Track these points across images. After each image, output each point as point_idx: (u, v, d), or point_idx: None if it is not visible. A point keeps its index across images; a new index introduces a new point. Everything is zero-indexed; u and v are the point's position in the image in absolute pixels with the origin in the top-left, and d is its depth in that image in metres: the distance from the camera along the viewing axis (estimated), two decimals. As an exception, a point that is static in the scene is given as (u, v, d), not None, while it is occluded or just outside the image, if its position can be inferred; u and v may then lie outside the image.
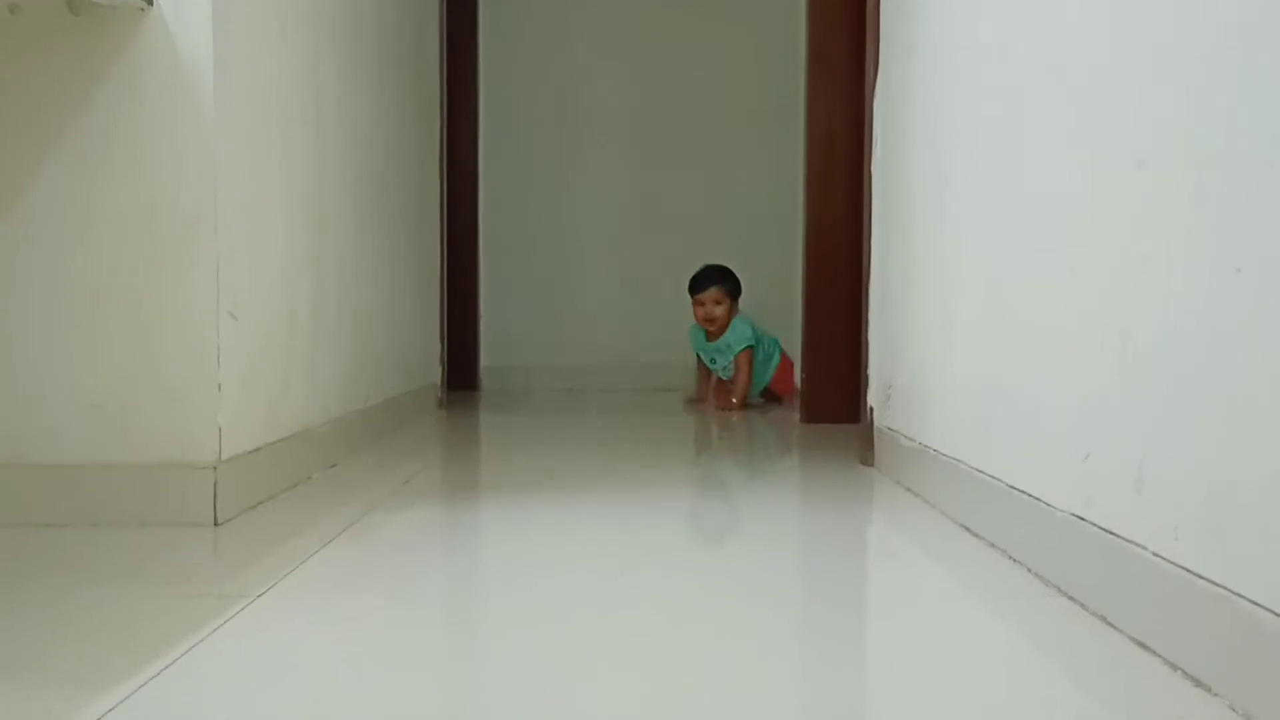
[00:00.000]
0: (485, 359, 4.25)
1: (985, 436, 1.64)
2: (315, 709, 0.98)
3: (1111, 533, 1.20)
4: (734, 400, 3.56)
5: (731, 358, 3.65)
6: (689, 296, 3.67)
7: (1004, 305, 1.58)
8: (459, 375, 4.05)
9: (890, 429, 2.22)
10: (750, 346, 3.59)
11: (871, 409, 2.37)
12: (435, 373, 3.53)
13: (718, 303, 3.63)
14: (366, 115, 2.67)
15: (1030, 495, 1.43)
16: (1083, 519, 1.27)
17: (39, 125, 1.69)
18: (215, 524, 1.69)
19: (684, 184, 4.33)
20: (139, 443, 1.70)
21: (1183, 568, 1.05)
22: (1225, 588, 0.98)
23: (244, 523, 1.72)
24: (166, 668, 1.05)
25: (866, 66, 2.44)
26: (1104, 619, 1.19)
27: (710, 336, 3.68)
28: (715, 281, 3.65)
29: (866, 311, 2.46)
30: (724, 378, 3.74)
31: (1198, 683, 1.00)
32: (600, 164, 4.34)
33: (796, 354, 3.28)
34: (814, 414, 3.08)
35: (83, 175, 1.69)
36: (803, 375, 3.13)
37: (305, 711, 0.97)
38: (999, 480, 1.55)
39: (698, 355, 3.78)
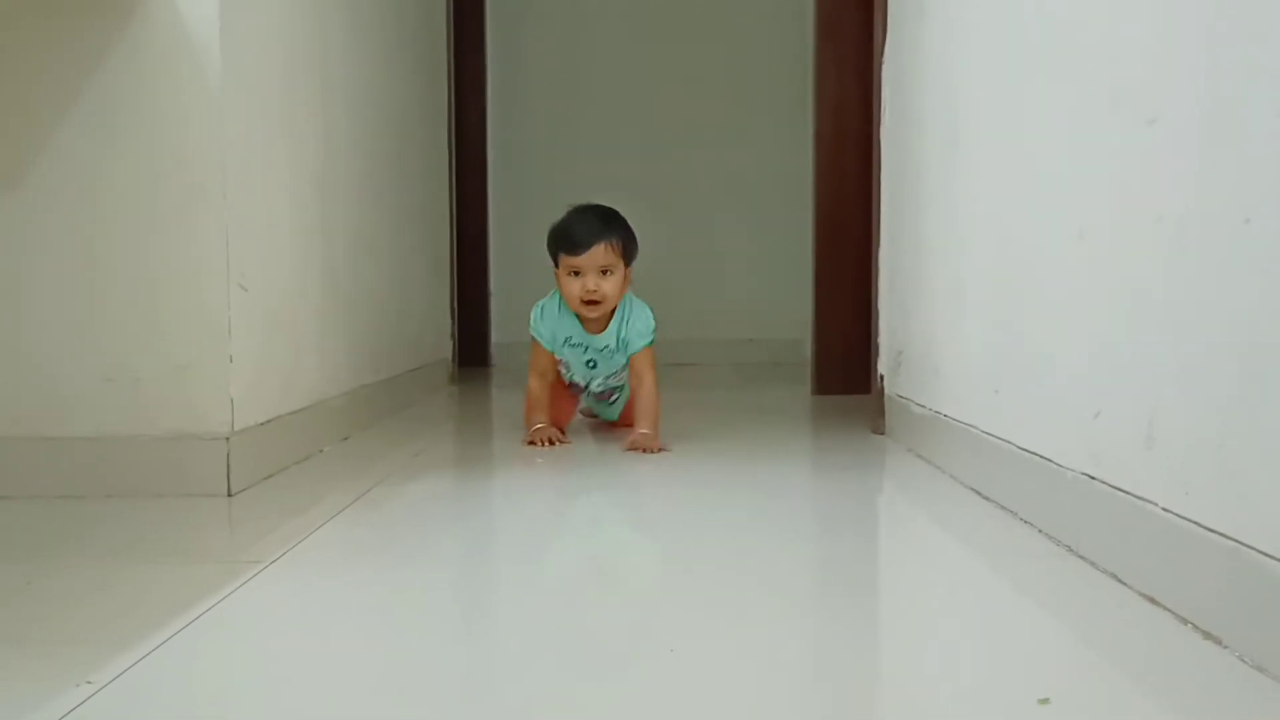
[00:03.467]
0: (496, 335, 4.25)
1: (995, 400, 1.64)
2: (327, 666, 0.99)
3: (1122, 490, 1.20)
4: (646, 433, 2.15)
5: (623, 363, 2.28)
6: (550, 259, 2.26)
7: (1014, 268, 1.58)
8: (470, 352, 4.06)
9: (901, 396, 2.22)
10: (653, 343, 2.27)
11: (882, 377, 2.37)
12: (446, 348, 3.54)
13: (606, 270, 2.18)
14: (373, 87, 2.67)
15: (1040, 456, 1.43)
16: (1093, 478, 1.27)
17: (47, 95, 1.69)
18: (229, 495, 1.70)
19: (693, 157, 4.31)
20: (152, 415, 1.71)
21: (1193, 522, 1.05)
22: (1236, 540, 0.98)
23: (257, 493, 1.73)
24: (183, 629, 1.06)
25: (876, 34, 2.43)
26: (1114, 576, 1.19)
27: (589, 325, 2.24)
28: (604, 233, 2.20)
29: (877, 281, 2.45)
30: (590, 392, 2.38)
31: (1208, 635, 1.00)
32: (609, 137, 4.32)
33: (808, 326, 3.26)
34: (825, 385, 3.08)
35: (91, 146, 1.69)
36: (814, 347, 3.13)
37: (317, 668, 0.98)
38: (1009, 443, 1.55)
39: (543, 352, 2.28)
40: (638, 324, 2.25)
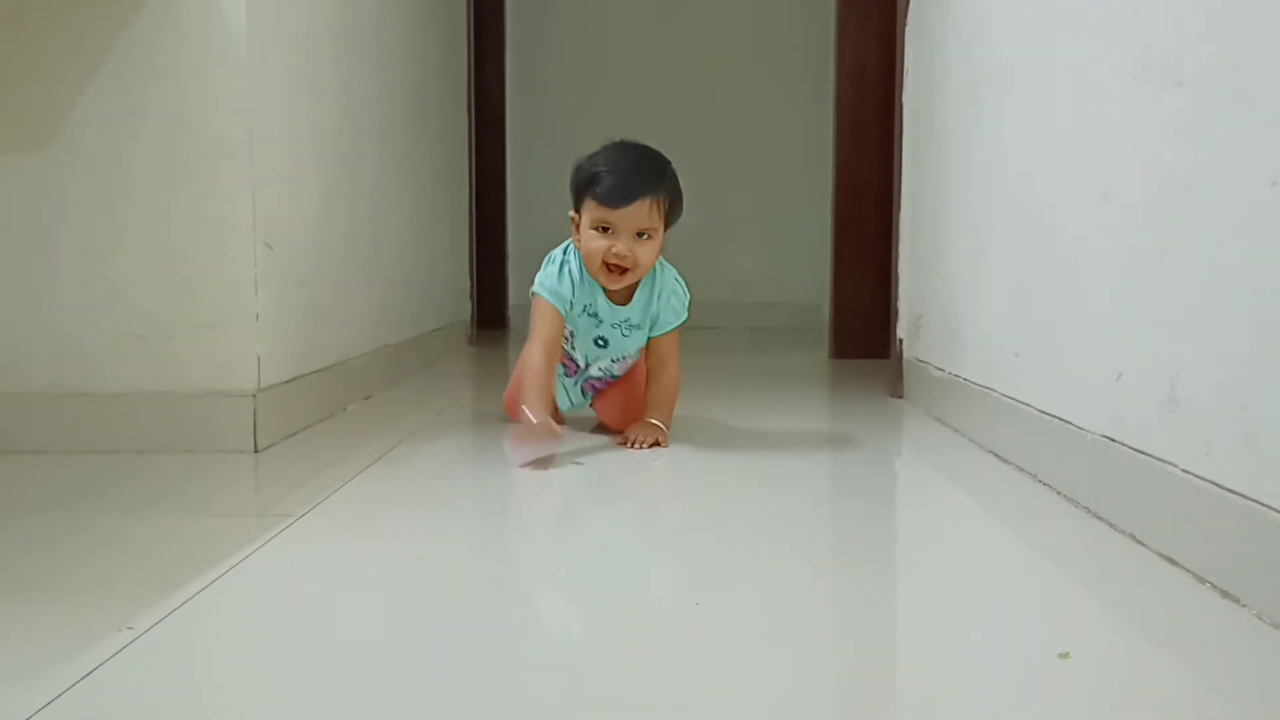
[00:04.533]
0: (514, 297, 4.27)
1: (1016, 363, 1.65)
2: (360, 611, 1.01)
3: (1142, 452, 1.21)
4: (655, 423, 1.80)
5: (642, 344, 1.87)
6: (572, 204, 1.81)
7: (1036, 231, 1.58)
8: (488, 313, 4.08)
9: (920, 360, 2.23)
10: (686, 321, 1.88)
11: (901, 341, 2.38)
12: (465, 310, 3.56)
13: (645, 233, 1.73)
14: (395, 49, 2.67)
15: (1061, 419, 1.44)
16: (1113, 440, 1.28)
17: (75, 56, 1.70)
18: (255, 450, 1.72)
19: (714, 120, 4.30)
20: (181, 372, 1.74)
21: (1213, 483, 1.06)
22: (1256, 500, 0.99)
23: (283, 450, 1.76)
24: (218, 578, 1.08)
25: (899, -4, 2.42)
26: (1133, 536, 1.21)
27: (614, 295, 1.81)
28: (653, 186, 1.73)
29: (897, 245, 2.46)
30: (583, 376, 1.92)
31: (1225, 594, 1.02)
32: (629, 100, 4.31)
33: (826, 290, 3.26)
34: (843, 349, 3.09)
35: (119, 107, 1.71)
36: (833, 311, 3.13)
37: (352, 614, 1.00)
38: (1029, 406, 1.56)
39: (552, 315, 1.78)
40: (672, 298, 1.84)
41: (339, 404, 2.13)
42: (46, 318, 1.74)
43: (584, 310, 1.82)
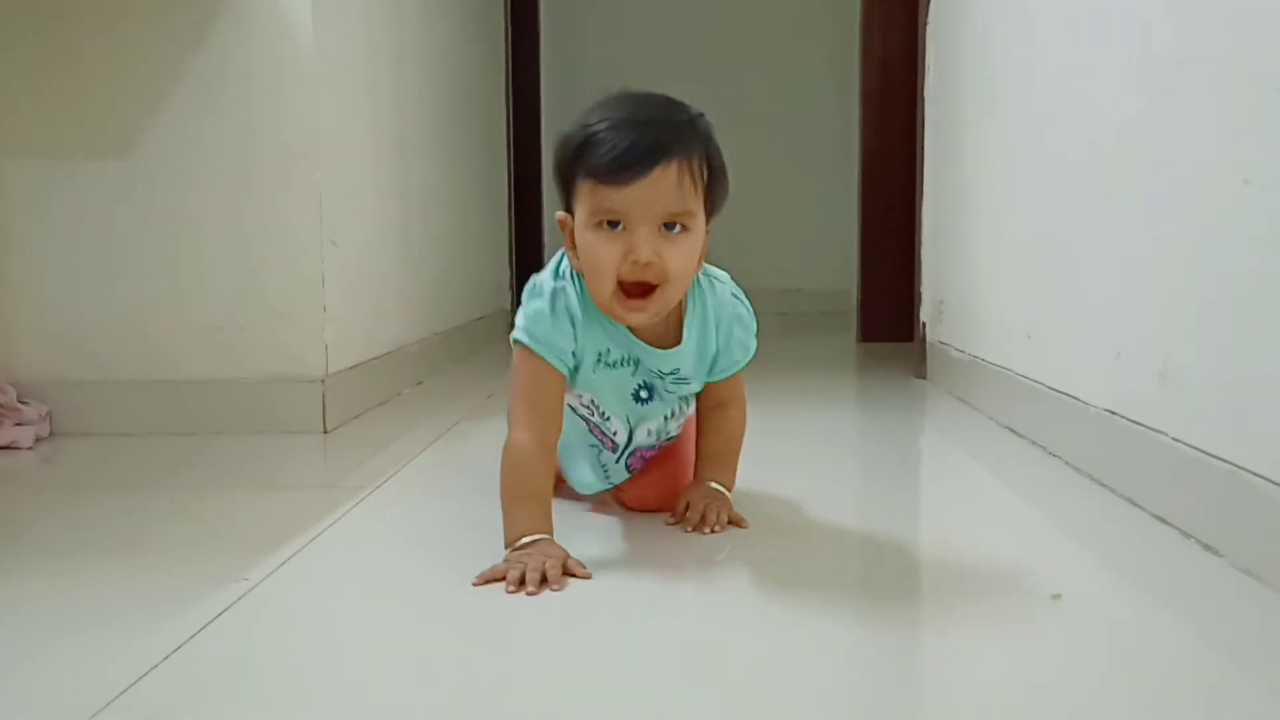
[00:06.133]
0: (550, 287, 4.40)
1: (1028, 345, 1.76)
2: (440, 570, 1.15)
3: (1138, 423, 1.33)
4: (717, 488, 1.26)
5: (697, 390, 1.25)
6: (560, 198, 1.14)
7: (1046, 223, 1.70)
8: (526, 302, 4.20)
9: (942, 343, 2.35)
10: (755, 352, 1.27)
11: (924, 325, 2.50)
12: (505, 298, 3.70)
13: (676, 222, 1.08)
14: (441, 52, 2.81)
15: (1068, 395, 1.56)
16: (1114, 413, 1.40)
17: (154, 70, 1.85)
18: (325, 432, 1.87)
19: (744, 113, 4.41)
20: (255, 360, 1.89)
21: (1199, 449, 1.18)
22: (1236, 464, 1.11)
23: (350, 431, 1.90)
24: (311, 541, 1.22)
25: (920, -5, 2.52)
26: (1130, 500, 1.33)
27: (649, 335, 1.17)
28: (677, 143, 1.10)
29: (920, 233, 2.57)
30: (626, 450, 1.27)
31: (1207, 547, 1.14)
32: (658, 91, 4.43)
33: (853, 277, 3.37)
34: (870, 333, 3.21)
35: (196, 117, 1.85)
36: (859, 297, 3.25)
37: (435, 571, 1.14)
38: (1041, 384, 1.68)
39: (547, 374, 1.14)
40: (736, 328, 1.23)
41: (396, 389, 2.28)
42: (131, 313, 1.89)
43: (599, 360, 1.18)
